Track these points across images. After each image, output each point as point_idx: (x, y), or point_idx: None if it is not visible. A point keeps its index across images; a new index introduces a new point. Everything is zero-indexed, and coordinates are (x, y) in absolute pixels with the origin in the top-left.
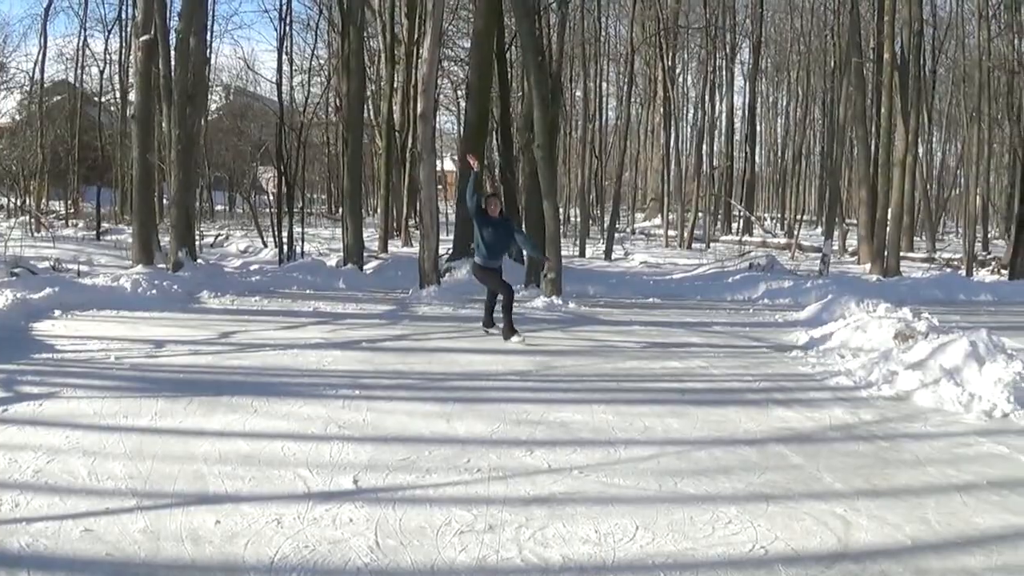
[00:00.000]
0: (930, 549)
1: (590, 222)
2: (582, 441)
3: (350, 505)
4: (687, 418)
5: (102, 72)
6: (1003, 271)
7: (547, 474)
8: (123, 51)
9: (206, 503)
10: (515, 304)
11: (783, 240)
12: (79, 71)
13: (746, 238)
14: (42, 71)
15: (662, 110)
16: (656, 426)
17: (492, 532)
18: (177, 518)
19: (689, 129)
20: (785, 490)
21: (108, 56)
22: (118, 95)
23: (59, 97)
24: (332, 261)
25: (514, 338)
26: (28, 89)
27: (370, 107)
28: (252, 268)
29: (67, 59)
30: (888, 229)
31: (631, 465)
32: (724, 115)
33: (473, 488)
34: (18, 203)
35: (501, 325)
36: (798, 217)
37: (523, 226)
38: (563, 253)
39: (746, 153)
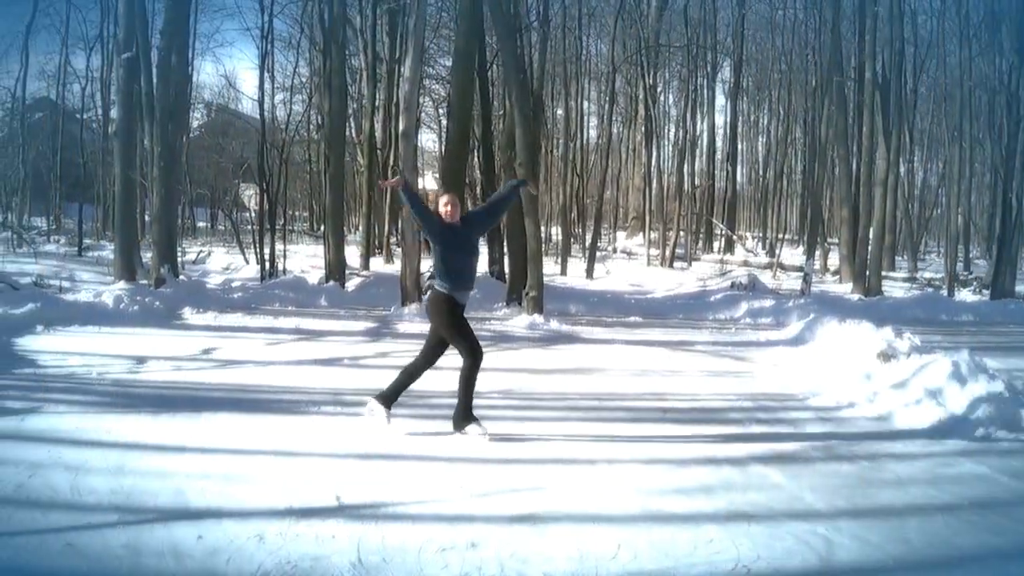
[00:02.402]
0: (912, 569)
1: (572, 240)
2: (564, 459)
3: (332, 521)
4: (669, 436)
5: (84, 89)
6: (984, 291)
7: (529, 492)
8: (105, 68)
9: (188, 518)
10: (496, 322)
11: (765, 259)
12: (61, 88)
13: (728, 257)
14: (24, 88)
15: (643, 129)
16: (638, 445)
17: (474, 549)
18: (159, 533)
19: (670, 147)
20: (767, 509)
21: (90, 73)
22: (100, 112)
23: (41, 114)
24: (314, 278)
25: (473, 428)
26: (9, 106)
27: (352, 125)
28: (234, 285)
29: (49, 76)
30: (870, 248)
31: (613, 483)
32: (705, 134)
33: (455, 505)
34: (1, 219)
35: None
36: (780, 236)
37: (504, 244)
38: (544, 271)
39: (727, 172)
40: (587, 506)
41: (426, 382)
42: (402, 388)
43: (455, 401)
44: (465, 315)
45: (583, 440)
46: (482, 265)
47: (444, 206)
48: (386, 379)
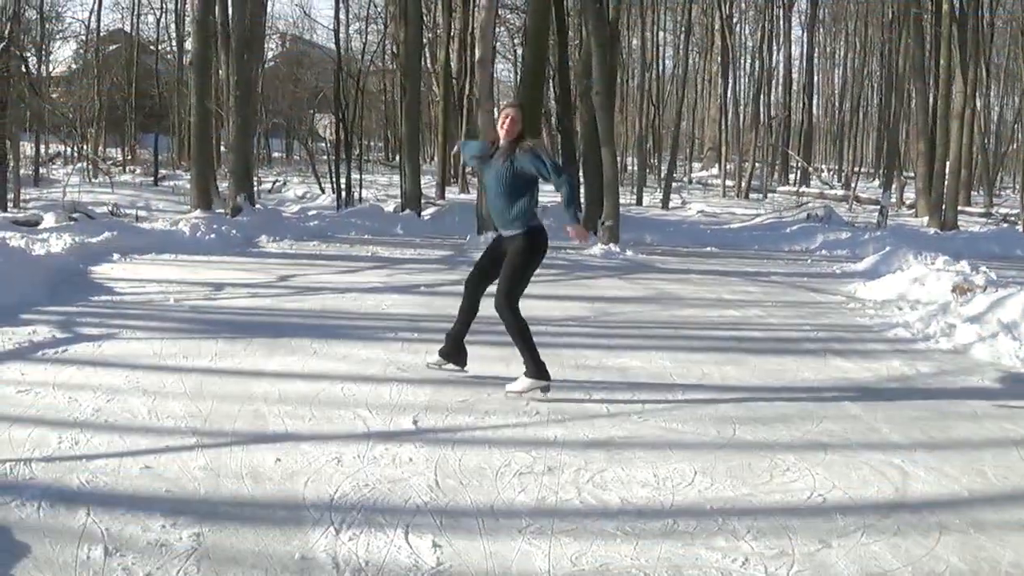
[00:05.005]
0: (986, 502)
1: (647, 171)
2: (640, 386)
3: (410, 445)
4: (745, 366)
5: (158, 20)
6: None
7: (606, 418)
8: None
9: (266, 442)
10: (572, 251)
11: (840, 192)
12: (135, 19)
13: (803, 189)
14: (98, 20)
15: (719, 60)
16: (714, 373)
17: (551, 474)
18: (237, 456)
19: (746, 79)
20: (843, 439)
21: (164, 4)
22: (174, 43)
23: (115, 46)
24: (390, 207)
25: (529, 385)
26: (84, 38)
27: (427, 55)
28: (310, 213)
29: (123, 8)
30: (946, 183)
31: (689, 411)
32: (781, 65)
33: (532, 431)
34: (76, 150)
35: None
36: (856, 169)
37: (581, 173)
38: (621, 201)
39: (803, 104)
40: (664, 433)
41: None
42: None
43: (531, 329)
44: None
45: (659, 368)
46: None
47: (504, 117)
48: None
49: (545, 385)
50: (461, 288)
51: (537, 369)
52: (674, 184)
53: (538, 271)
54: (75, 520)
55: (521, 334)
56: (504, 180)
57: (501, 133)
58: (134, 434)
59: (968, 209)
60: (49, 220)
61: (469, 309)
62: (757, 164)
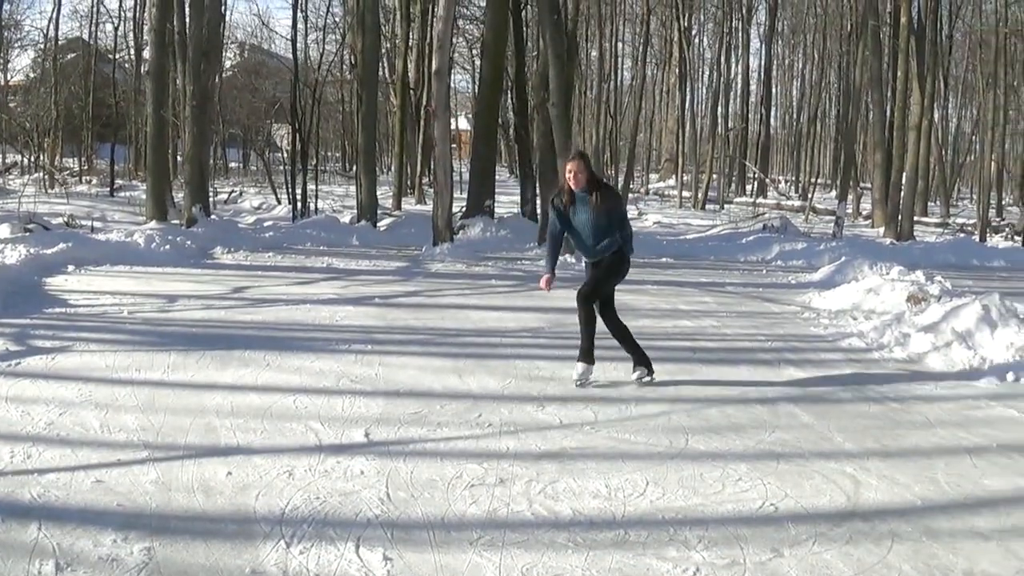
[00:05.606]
0: (939, 509)
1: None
2: (593, 398)
3: (361, 458)
4: (698, 376)
5: (116, 29)
6: (1017, 237)
7: (558, 429)
8: (137, 7)
9: (218, 455)
10: (528, 262)
11: (797, 202)
12: (93, 28)
13: (760, 200)
14: (56, 28)
15: (677, 71)
16: (667, 384)
17: (503, 486)
18: (189, 470)
19: (704, 90)
20: (796, 449)
21: (122, 12)
22: (132, 52)
23: (73, 54)
24: (346, 218)
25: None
26: (42, 46)
27: (385, 65)
28: (266, 224)
29: (81, 16)
30: (903, 193)
31: (642, 421)
32: (740, 77)
33: (484, 442)
34: (32, 160)
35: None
36: (812, 180)
37: (536, 184)
38: None
39: (761, 115)
40: (616, 444)
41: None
42: (592, 338)
43: (485, 339)
44: (497, 254)
45: (612, 378)
46: (514, 205)
47: (567, 172)
48: (418, 317)
49: (589, 364)
50: (415, 300)
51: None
52: (631, 195)
53: (494, 282)
54: (26, 535)
55: (586, 324)
56: (592, 224)
57: (571, 184)
58: (86, 448)
59: (924, 219)
60: (4, 231)
61: (587, 321)
62: (714, 175)
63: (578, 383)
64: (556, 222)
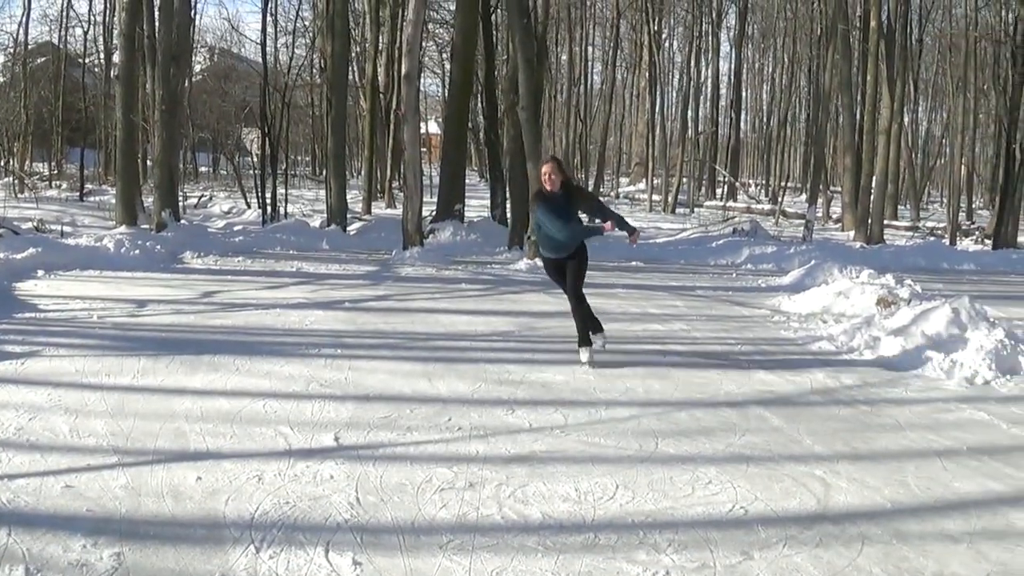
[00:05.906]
0: (909, 512)
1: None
2: (563, 401)
3: (331, 462)
4: (668, 380)
5: (86, 33)
6: (986, 241)
7: (528, 433)
8: (107, 12)
9: (187, 460)
10: (498, 266)
11: (767, 206)
12: (63, 32)
13: (730, 203)
14: (26, 32)
15: (647, 75)
16: (637, 387)
17: (472, 489)
18: (158, 475)
19: (674, 94)
20: (765, 452)
21: (92, 17)
22: (102, 56)
23: (43, 59)
24: (316, 222)
25: (583, 352)
26: (12, 51)
27: (355, 69)
28: (235, 229)
29: (51, 20)
30: (872, 196)
31: (612, 425)
32: (710, 81)
33: (454, 446)
34: (2, 165)
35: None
36: (783, 183)
37: (506, 188)
38: None
39: (731, 119)
40: (586, 448)
41: (423, 326)
42: (585, 325)
43: (455, 343)
44: (467, 258)
45: (582, 382)
46: (484, 209)
47: (543, 175)
48: (388, 321)
49: (589, 347)
50: (385, 304)
51: (580, 339)
52: (601, 199)
53: (464, 286)
54: None
55: (580, 311)
56: (563, 214)
57: (548, 187)
58: (56, 453)
59: (894, 223)
60: None
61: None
62: (684, 179)
63: (590, 364)
64: (552, 212)
